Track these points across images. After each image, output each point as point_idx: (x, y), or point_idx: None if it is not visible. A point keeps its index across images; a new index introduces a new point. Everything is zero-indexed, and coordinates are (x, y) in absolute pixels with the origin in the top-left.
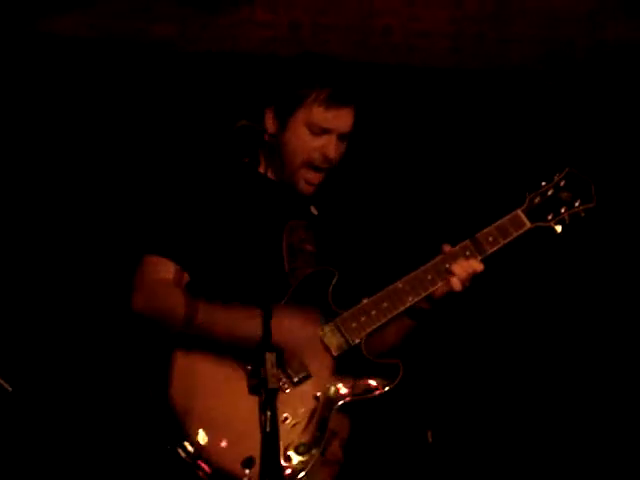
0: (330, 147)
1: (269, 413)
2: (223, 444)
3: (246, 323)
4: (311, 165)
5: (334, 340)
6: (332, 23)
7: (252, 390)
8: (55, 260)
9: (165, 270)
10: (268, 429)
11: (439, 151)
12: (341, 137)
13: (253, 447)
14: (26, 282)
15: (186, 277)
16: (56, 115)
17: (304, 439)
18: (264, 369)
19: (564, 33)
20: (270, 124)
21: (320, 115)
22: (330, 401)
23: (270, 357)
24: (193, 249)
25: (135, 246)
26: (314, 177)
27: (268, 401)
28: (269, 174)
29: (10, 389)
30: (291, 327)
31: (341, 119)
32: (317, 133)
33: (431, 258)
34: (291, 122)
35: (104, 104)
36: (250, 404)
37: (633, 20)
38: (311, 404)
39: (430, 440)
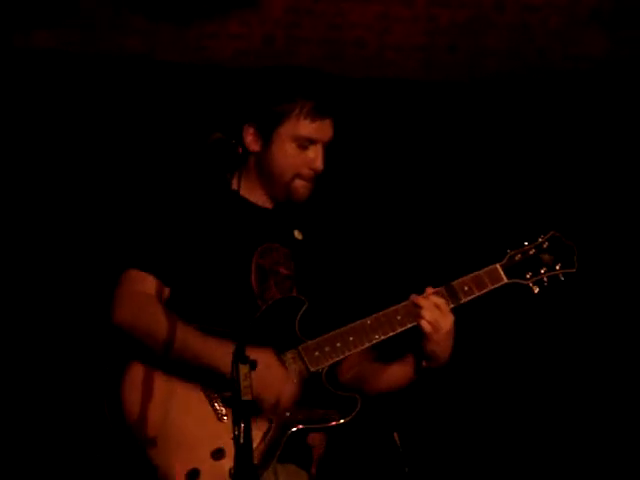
0: (319, 159)
1: (242, 425)
2: (170, 456)
3: (217, 356)
4: (302, 178)
5: (295, 367)
6: (305, 36)
7: (225, 402)
8: (33, 271)
9: (148, 285)
10: (242, 441)
11: (414, 167)
12: (325, 147)
13: (199, 460)
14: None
15: (167, 293)
16: (32, 127)
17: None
18: (237, 381)
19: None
20: (251, 140)
21: (306, 128)
22: (284, 426)
23: (243, 369)
24: (174, 265)
25: (116, 260)
26: (307, 186)
27: (241, 413)
28: (243, 191)
29: None
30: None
31: (326, 129)
32: (304, 146)
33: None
34: (275, 137)
35: (80, 117)
36: (199, 418)
37: (605, 33)
38: (264, 427)
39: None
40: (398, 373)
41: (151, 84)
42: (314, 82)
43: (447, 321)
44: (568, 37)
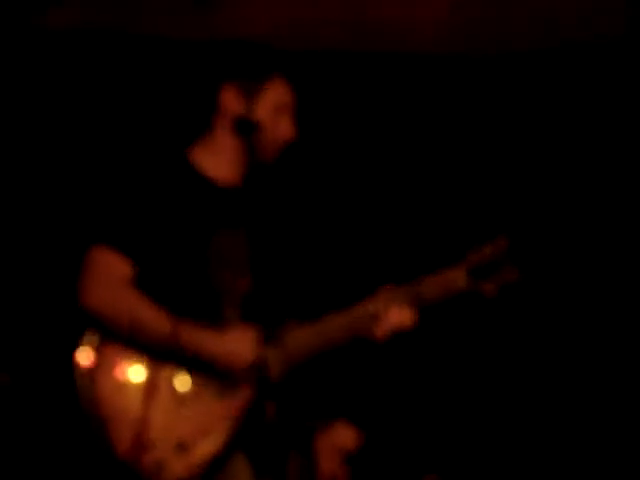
0: (293, 127)
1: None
2: (134, 448)
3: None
4: (281, 142)
5: None
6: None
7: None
8: None
9: (118, 265)
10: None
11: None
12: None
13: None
14: None
15: (135, 272)
16: (50, 108)
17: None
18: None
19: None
20: (231, 101)
21: (284, 92)
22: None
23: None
24: (142, 244)
25: (79, 237)
26: (277, 153)
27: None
28: (205, 165)
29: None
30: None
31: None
32: (280, 112)
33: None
34: (259, 99)
35: (98, 96)
36: (162, 408)
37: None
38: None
39: None
40: None
41: (167, 63)
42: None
43: (399, 325)
44: (593, 13)
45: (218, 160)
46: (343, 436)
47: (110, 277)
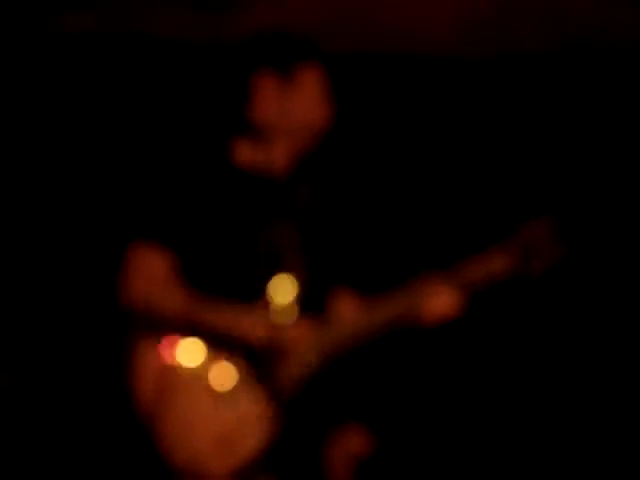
0: (331, 108)
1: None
2: (174, 443)
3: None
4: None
5: None
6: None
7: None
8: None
9: (159, 260)
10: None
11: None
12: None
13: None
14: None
15: (177, 266)
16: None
17: None
18: None
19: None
20: (267, 86)
21: (319, 75)
22: None
23: None
24: (183, 238)
25: (121, 235)
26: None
27: None
28: (246, 160)
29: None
30: None
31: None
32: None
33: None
34: (296, 83)
35: (114, 99)
36: (201, 401)
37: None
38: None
39: None
40: None
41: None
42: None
43: (446, 310)
44: (606, 15)
45: (260, 151)
46: (355, 441)
47: (152, 273)
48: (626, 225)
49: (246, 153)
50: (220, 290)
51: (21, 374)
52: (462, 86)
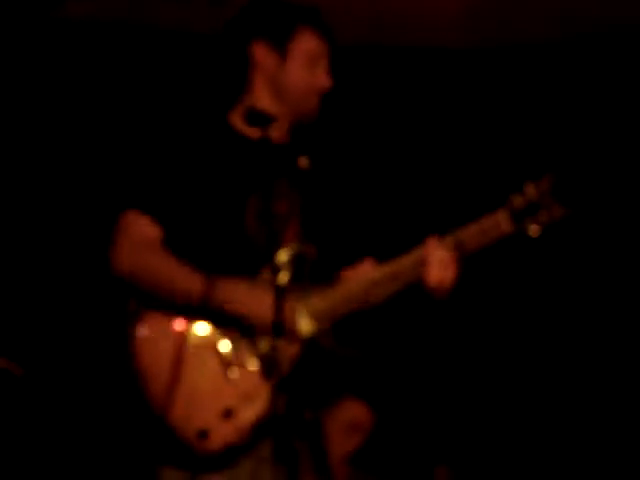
0: (328, 77)
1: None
2: (180, 414)
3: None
4: (317, 94)
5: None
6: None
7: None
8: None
9: (148, 228)
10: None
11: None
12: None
13: (208, 420)
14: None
15: (164, 234)
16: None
17: None
18: None
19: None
20: (264, 56)
21: (317, 44)
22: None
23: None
24: (170, 207)
25: (111, 203)
26: (318, 102)
27: None
28: (243, 126)
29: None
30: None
31: (330, 42)
32: (315, 63)
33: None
34: (290, 51)
35: (115, 87)
36: (208, 374)
37: None
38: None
39: None
40: None
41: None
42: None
43: (450, 276)
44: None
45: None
46: (353, 411)
47: (140, 240)
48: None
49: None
50: (210, 252)
51: (26, 360)
52: (467, 76)
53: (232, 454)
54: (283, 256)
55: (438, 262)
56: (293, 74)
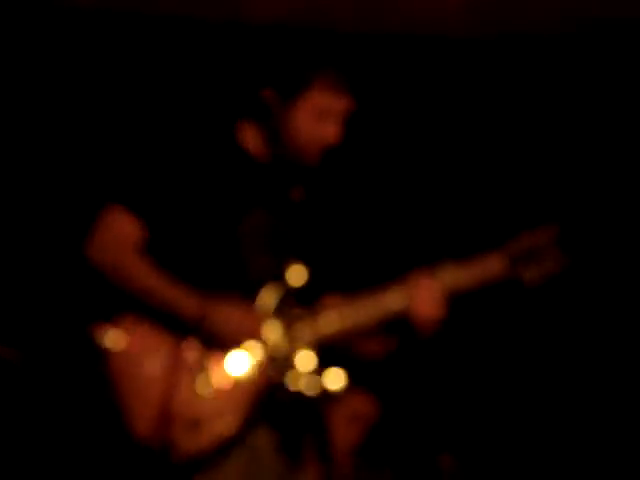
0: (336, 133)
1: None
2: (146, 423)
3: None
4: (316, 149)
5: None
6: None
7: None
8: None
9: (129, 226)
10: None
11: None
12: (345, 117)
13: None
14: None
15: (145, 237)
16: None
17: None
18: None
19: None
20: (271, 103)
21: (327, 99)
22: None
23: None
24: (163, 210)
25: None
26: (320, 155)
27: None
28: (248, 143)
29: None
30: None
31: (345, 99)
32: (323, 117)
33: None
34: (294, 105)
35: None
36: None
37: None
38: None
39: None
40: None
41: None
42: (336, 50)
43: (439, 313)
44: None
45: (259, 142)
46: (359, 404)
47: (117, 236)
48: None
49: (251, 134)
50: (194, 264)
51: (24, 346)
52: (469, 67)
53: (198, 467)
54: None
55: (429, 300)
56: (292, 128)
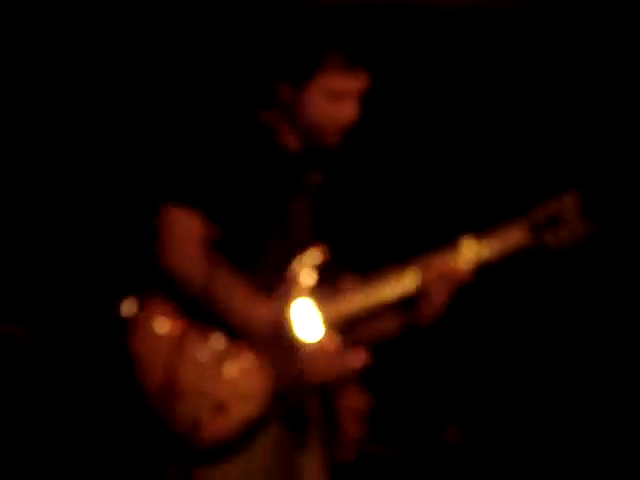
0: (352, 113)
1: None
2: (172, 407)
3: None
4: (334, 131)
5: None
6: None
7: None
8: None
9: (196, 224)
10: None
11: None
12: (360, 96)
13: (200, 413)
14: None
15: (213, 233)
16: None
17: None
18: None
19: None
20: (284, 95)
21: (339, 81)
22: None
23: None
24: (219, 204)
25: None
26: (339, 136)
27: None
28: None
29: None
30: None
31: (359, 80)
32: (337, 99)
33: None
34: (308, 89)
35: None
36: (202, 367)
37: None
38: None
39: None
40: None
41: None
42: (345, 31)
43: (450, 292)
44: None
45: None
46: (355, 399)
47: (190, 236)
48: None
49: (274, 126)
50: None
51: (35, 326)
52: (481, 39)
53: (223, 450)
54: (308, 261)
55: (440, 277)
56: (307, 114)
